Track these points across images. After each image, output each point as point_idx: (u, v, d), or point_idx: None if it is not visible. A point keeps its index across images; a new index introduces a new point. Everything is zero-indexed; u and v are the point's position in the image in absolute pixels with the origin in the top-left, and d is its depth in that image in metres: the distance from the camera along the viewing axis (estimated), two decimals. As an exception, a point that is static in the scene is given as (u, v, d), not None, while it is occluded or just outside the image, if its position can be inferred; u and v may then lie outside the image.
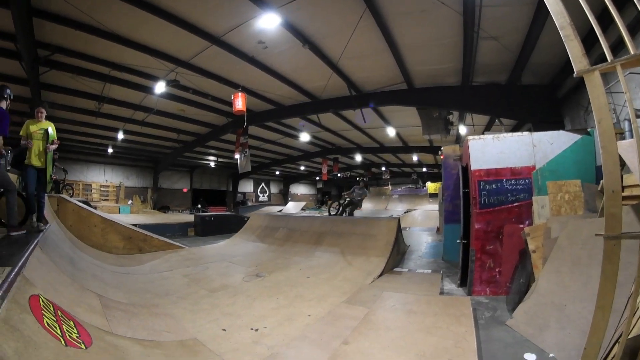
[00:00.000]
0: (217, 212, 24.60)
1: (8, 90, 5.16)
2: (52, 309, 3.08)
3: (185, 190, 33.66)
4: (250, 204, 36.91)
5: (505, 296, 5.39)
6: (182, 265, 8.29)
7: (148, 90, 12.95)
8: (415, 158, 28.90)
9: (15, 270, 3.08)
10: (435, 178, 35.75)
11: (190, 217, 18.74)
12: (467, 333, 3.98)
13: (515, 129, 13.34)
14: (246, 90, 12.16)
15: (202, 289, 6.43)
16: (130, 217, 17.65)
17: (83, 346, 2.88)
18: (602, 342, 2.19)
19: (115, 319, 4.10)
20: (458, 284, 6.37)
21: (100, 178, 27.44)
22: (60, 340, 2.66)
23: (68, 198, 10.26)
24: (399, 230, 8.86)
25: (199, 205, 30.49)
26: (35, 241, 4.53)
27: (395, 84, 12.07)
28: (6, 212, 5.20)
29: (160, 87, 12.30)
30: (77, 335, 2.99)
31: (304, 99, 14.33)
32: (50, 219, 7.40)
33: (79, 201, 11.16)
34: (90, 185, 26.56)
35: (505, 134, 6.24)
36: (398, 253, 8.55)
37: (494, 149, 6.06)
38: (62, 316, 3.11)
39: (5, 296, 2.54)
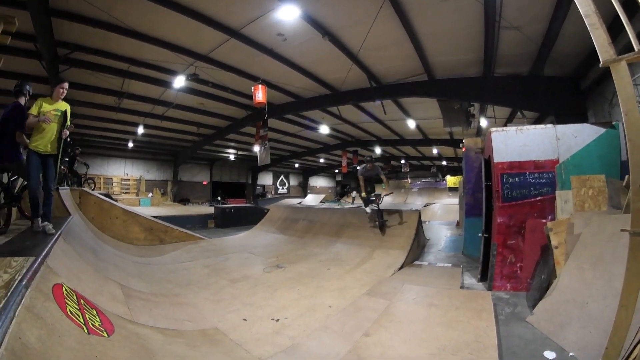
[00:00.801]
0: (236, 204, 24.80)
1: (27, 87, 5.05)
2: (75, 297, 3.14)
3: (205, 182, 34.02)
4: (269, 196, 37.07)
5: (525, 292, 5.30)
6: (202, 256, 8.42)
7: (167, 84, 13.07)
8: (435, 151, 28.57)
9: (39, 259, 3.12)
10: (454, 172, 35.27)
11: (210, 209, 18.96)
12: (488, 328, 3.94)
13: (537, 121, 12.96)
14: (266, 83, 12.09)
15: (222, 279, 6.53)
16: (150, 209, 17.96)
17: (105, 334, 2.93)
18: (624, 341, 2.13)
19: (137, 308, 4.19)
20: (478, 279, 6.28)
21: (121, 172, 28.03)
22: (83, 329, 2.71)
23: (90, 191, 10.51)
24: (420, 223, 8.79)
25: (219, 198, 30.79)
26: (59, 232, 4.64)
27: (415, 75, 11.86)
28: (30, 204, 5.28)
29: (179, 82, 12.39)
30: (100, 323, 3.05)
31: (323, 91, 14.23)
32: (72, 212, 7.61)
33: (101, 194, 11.40)
34: (111, 178, 27.17)
35: (528, 126, 6.11)
36: (418, 246, 8.49)
37: (517, 142, 5.94)
38: (85, 305, 3.17)
39: (29, 285, 2.58)
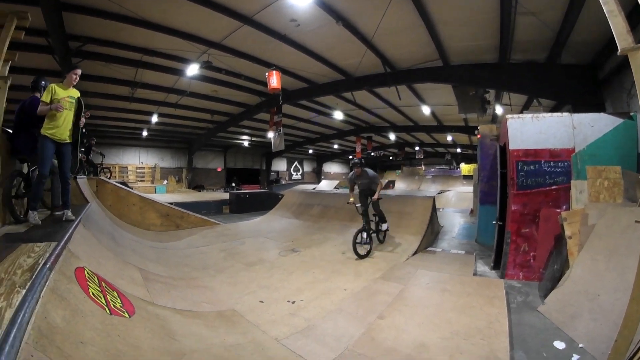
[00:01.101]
0: (251, 190, 24.95)
1: (43, 82, 5.11)
2: (96, 280, 3.26)
3: (219, 169, 34.32)
4: (283, 182, 37.14)
5: (538, 282, 5.28)
6: (218, 241, 8.59)
7: (180, 73, 13.14)
8: (449, 138, 28.30)
9: (61, 244, 3.23)
10: (469, 159, 34.96)
11: (225, 195, 19.16)
12: (500, 315, 3.98)
13: (554, 109, 12.69)
14: (279, 69, 12.09)
15: (239, 262, 6.68)
16: (166, 196, 18.21)
17: (127, 315, 3.05)
18: (634, 335, 2.13)
19: (155, 290, 4.33)
20: (491, 266, 6.29)
21: (136, 160, 28.50)
22: (105, 310, 2.82)
23: (106, 179, 10.73)
24: (434, 209, 8.79)
25: (233, 184, 31.05)
26: (79, 218, 4.77)
27: (430, 61, 11.72)
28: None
29: (192, 70, 12.46)
30: (121, 305, 3.17)
31: (337, 77, 14.14)
32: (90, 199, 7.80)
33: (117, 182, 11.61)
34: (127, 167, 27.70)
35: (544, 114, 6.03)
36: (432, 233, 8.51)
37: (532, 129, 5.87)
38: (106, 287, 3.29)
39: (52, 268, 2.68)
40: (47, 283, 2.45)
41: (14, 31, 4.75)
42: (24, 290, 2.12)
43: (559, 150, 5.67)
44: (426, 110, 17.91)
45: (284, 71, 12.76)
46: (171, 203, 11.58)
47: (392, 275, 5.77)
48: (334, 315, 4.21)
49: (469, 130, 21.47)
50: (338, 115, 20.10)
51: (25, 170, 5.35)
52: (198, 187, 29.02)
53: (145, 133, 24.05)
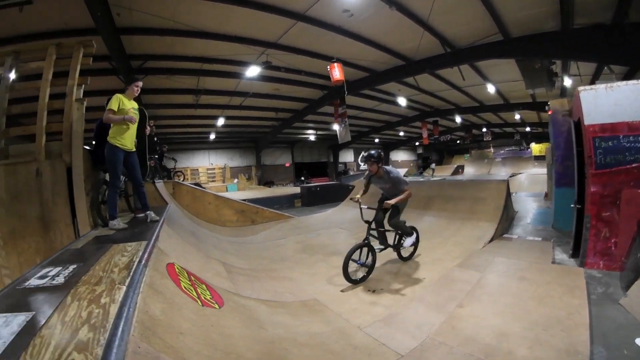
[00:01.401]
0: (320, 182, 25.41)
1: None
2: (186, 274, 3.56)
3: (287, 164, 35.24)
4: (351, 173, 36.89)
5: (619, 272, 4.92)
6: (293, 233, 8.87)
7: (241, 75, 13.75)
8: (517, 116, 26.88)
9: (151, 243, 3.55)
10: (539, 138, 32.80)
11: (295, 189, 19.68)
12: (580, 306, 3.78)
13: (627, 76, 11.50)
14: (339, 61, 12.23)
15: (316, 254, 6.91)
16: (238, 194, 19.00)
17: (216, 306, 3.32)
18: None
19: (239, 282, 4.65)
20: (570, 254, 5.92)
21: (206, 162, 30.29)
22: (197, 302, 3.09)
23: (182, 182, 11.54)
24: (508, 194, 8.45)
25: (302, 178, 31.77)
26: (162, 219, 5.19)
27: (490, 36, 11.34)
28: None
29: (252, 71, 13.00)
30: (210, 297, 3.44)
31: (397, 62, 14.03)
32: (169, 201, 8.50)
33: (191, 184, 12.38)
34: (197, 169, 29.60)
35: (619, 83, 5.46)
36: (507, 219, 8.16)
37: (607, 101, 5.35)
38: (195, 281, 3.59)
39: (147, 264, 2.93)
40: (144, 279, 2.64)
41: (83, 58, 5.36)
42: (124, 287, 2.33)
43: (638, 122, 5.21)
44: (491, 88, 17.24)
45: (343, 62, 12.85)
46: (245, 200, 12.12)
47: (470, 263, 5.67)
48: (414, 304, 4.26)
49: (538, 106, 20.25)
50: (401, 101, 19.82)
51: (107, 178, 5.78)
52: (268, 183, 30.02)
53: (212, 136, 25.38)
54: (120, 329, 1.80)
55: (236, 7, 8.83)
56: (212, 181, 28.58)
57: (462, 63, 13.28)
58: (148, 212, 5.26)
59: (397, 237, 5.96)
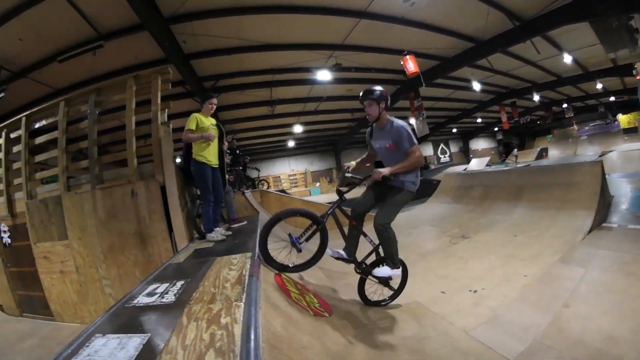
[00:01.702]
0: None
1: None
2: (292, 283, 3.49)
3: (367, 164, 34.89)
4: (432, 167, 35.72)
5: None
6: None
7: (312, 81, 13.88)
8: (599, 86, 23.87)
9: (257, 254, 3.49)
10: (626, 107, 28.16)
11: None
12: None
13: None
14: (409, 52, 11.90)
15: (412, 253, 6.53)
16: (322, 197, 19.19)
17: (326, 314, 3.23)
18: None
19: (341, 287, 4.56)
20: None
21: (287, 169, 31.21)
22: (309, 312, 3.01)
23: (268, 190, 11.77)
24: (604, 177, 7.49)
25: (385, 176, 31.18)
26: (257, 227, 5.25)
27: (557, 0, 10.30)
28: (227, 208, 6.15)
29: (323, 75, 13.03)
30: (319, 305, 3.35)
31: (466, 45, 13.32)
32: (258, 209, 8.73)
33: (276, 191, 12.63)
34: (279, 176, 30.57)
35: None
36: (604, 206, 7.24)
37: None
38: (302, 289, 3.52)
39: (258, 278, 2.82)
40: (259, 294, 2.53)
41: (162, 85, 5.67)
42: (242, 303, 2.20)
43: None
44: (567, 58, 15.62)
45: (413, 54, 12.47)
46: (329, 203, 12.10)
47: (571, 257, 5.12)
48: (517, 304, 3.92)
49: (621, 71, 18.08)
50: (476, 86, 18.81)
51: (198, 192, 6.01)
52: (350, 185, 30.04)
53: (291, 143, 25.98)
54: (252, 353, 1.68)
55: (296, 15, 8.94)
56: (295, 186, 29.41)
57: (534, 35, 12.20)
58: (239, 223, 5.52)
59: (374, 252, 4.03)
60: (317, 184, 27.93)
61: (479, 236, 7.05)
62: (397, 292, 4.10)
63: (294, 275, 3.88)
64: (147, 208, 5.24)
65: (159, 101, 5.60)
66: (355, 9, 9.44)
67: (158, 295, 2.59)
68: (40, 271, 5.86)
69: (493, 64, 16.07)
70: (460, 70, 16.15)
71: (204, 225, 5.00)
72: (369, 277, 3.88)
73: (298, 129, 21.23)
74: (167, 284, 2.80)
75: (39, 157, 6.24)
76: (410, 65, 11.52)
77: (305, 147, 30.36)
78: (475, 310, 3.89)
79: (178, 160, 5.86)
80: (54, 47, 8.88)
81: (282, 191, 15.00)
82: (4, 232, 6.62)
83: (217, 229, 5.01)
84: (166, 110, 5.82)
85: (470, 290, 4.47)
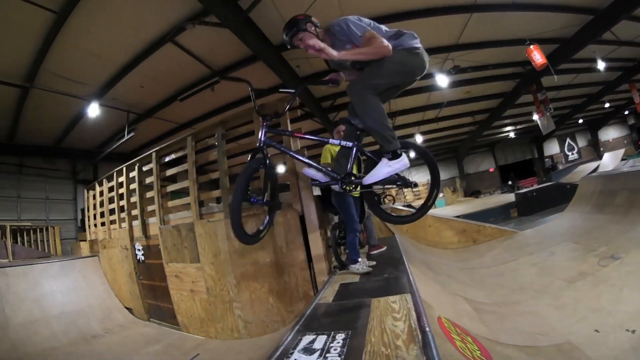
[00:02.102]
0: (528, 184, 23.43)
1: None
2: (452, 327, 3.21)
3: (491, 170, 33.17)
4: (560, 167, 32.24)
5: None
6: (524, 253, 7.85)
7: (429, 88, 13.78)
8: None
9: (416, 295, 3.00)
10: None
11: (508, 197, 18.11)
12: None
13: None
14: (522, 41, 11.17)
15: (557, 279, 5.94)
16: (447, 209, 18.51)
17: (488, 365, 2.94)
18: None
19: (491, 323, 4.29)
20: None
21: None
22: (473, 363, 2.75)
23: (396, 206, 11.71)
24: None
25: (509, 182, 29.00)
26: (400, 254, 5.21)
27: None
28: (367, 233, 6.20)
29: (441, 80, 12.83)
30: (479, 352, 2.99)
31: (585, 19, 11.71)
32: (393, 230, 8.75)
33: (403, 206, 12.51)
34: (402, 190, 29.74)
35: None
36: None
37: None
38: (460, 333, 3.25)
39: (430, 330, 2.22)
40: (438, 352, 1.96)
41: (290, 113, 6.10)
42: None
43: None
44: None
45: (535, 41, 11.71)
46: (458, 216, 11.67)
47: None
48: None
49: None
50: (600, 65, 16.33)
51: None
52: (475, 193, 28.72)
53: (412, 154, 25.60)
54: None
55: (411, 20, 9.03)
56: (418, 199, 28.70)
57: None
58: (360, 259, 4.90)
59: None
60: (441, 195, 27.10)
61: (632, 256, 5.84)
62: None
63: (450, 313, 3.73)
64: (284, 238, 5.35)
65: (288, 123, 5.81)
66: (464, 3, 9.24)
67: (318, 353, 2.15)
68: (170, 287, 6.55)
69: (618, 34, 13.82)
70: (581, 52, 14.30)
71: (350, 256, 4.84)
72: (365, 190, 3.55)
73: (418, 139, 20.98)
74: (325, 337, 2.39)
75: (171, 188, 7.18)
76: (537, 56, 10.76)
77: (426, 156, 29.85)
78: (634, 356, 3.38)
79: (316, 192, 5.85)
80: (172, 88, 10.24)
81: (409, 205, 14.83)
82: (138, 250, 7.79)
83: (361, 259, 4.78)
84: (301, 129, 6.04)
85: (627, 330, 3.81)
